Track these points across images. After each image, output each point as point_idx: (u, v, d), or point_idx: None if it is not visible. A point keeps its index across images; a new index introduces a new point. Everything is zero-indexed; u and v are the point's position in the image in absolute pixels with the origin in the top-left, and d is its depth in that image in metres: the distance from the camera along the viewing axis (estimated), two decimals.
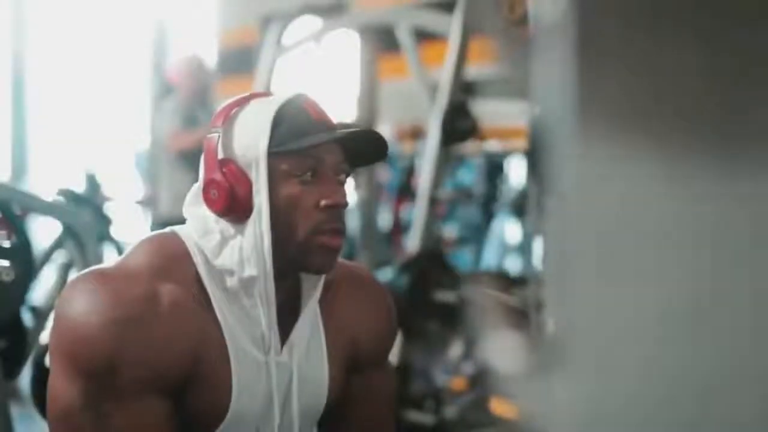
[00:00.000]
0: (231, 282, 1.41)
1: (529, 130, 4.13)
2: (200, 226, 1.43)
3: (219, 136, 1.40)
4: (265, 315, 1.42)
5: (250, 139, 1.39)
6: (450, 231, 7.67)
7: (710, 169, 0.61)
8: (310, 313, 1.51)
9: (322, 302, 1.53)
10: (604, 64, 0.60)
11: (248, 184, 1.38)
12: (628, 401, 0.64)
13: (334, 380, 1.52)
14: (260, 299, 1.40)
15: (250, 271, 1.38)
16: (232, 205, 1.38)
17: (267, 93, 1.49)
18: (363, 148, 1.45)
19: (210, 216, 1.41)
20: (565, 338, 0.62)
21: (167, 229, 1.48)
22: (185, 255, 1.42)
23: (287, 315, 1.47)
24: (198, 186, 1.44)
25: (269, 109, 1.40)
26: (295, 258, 1.41)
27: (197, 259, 1.42)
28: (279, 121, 1.38)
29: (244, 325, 1.42)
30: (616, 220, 0.62)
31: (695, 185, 0.61)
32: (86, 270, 1.43)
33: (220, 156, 1.39)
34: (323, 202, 1.39)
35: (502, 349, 0.64)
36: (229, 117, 1.41)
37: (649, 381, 0.64)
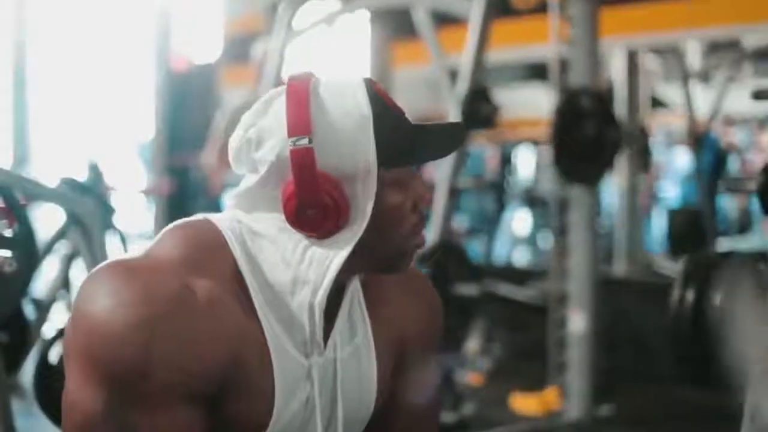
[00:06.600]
0: (277, 276, 1.26)
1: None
2: (250, 206, 1.27)
3: (314, 146, 1.21)
4: (309, 324, 1.27)
5: (352, 150, 1.22)
6: (460, 222, 7.55)
7: None
8: (355, 309, 1.35)
9: (368, 298, 1.38)
10: None
11: (347, 201, 1.23)
12: None
13: (382, 379, 1.37)
14: (306, 308, 1.26)
15: (306, 275, 1.24)
16: (337, 226, 1.23)
17: (311, 76, 1.27)
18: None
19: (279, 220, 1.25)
20: None
21: (199, 216, 1.31)
22: (222, 246, 1.25)
23: (333, 309, 1.31)
24: (257, 190, 1.26)
25: (361, 106, 1.22)
26: (387, 262, 1.30)
27: (236, 252, 1.25)
28: (376, 126, 1.23)
29: (286, 324, 1.27)
30: None
31: None
32: (108, 261, 1.25)
33: (319, 169, 1.21)
34: (420, 204, 1.28)
35: None
36: (311, 120, 1.22)
37: None
